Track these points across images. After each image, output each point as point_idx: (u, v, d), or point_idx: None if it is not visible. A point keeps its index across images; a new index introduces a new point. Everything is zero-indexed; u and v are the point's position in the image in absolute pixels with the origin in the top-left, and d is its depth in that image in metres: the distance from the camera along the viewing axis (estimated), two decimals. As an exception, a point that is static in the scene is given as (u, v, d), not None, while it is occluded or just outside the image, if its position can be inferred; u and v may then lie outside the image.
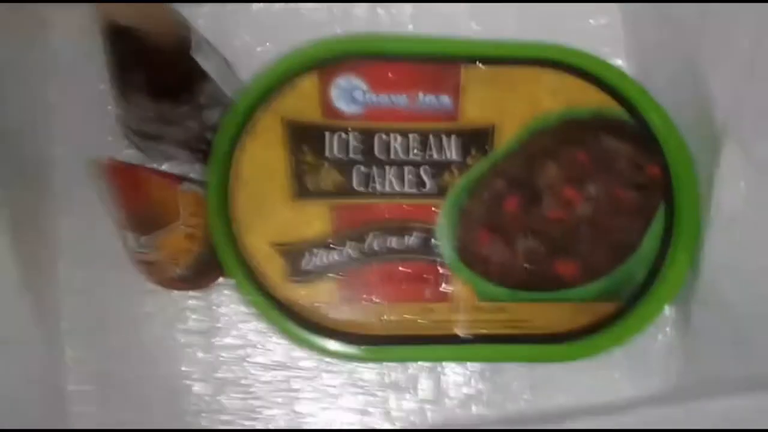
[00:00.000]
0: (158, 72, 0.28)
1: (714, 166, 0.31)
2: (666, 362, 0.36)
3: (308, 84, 0.33)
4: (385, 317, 0.32)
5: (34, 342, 0.33)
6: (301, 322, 0.32)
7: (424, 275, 0.32)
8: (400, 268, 0.32)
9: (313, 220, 0.32)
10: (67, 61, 0.36)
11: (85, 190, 0.35)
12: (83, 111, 0.36)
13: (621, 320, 0.32)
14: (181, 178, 0.33)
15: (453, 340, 0.32)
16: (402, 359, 0.34)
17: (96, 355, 0.35)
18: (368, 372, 0.35)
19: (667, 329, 0.36)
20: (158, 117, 0.31)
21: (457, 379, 0.35)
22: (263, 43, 0.36)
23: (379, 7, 0.37)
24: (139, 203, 0.30)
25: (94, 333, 0.36)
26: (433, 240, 0.32)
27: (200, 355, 0.36)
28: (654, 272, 0.33)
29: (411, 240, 0.32)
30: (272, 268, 0.32)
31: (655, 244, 0.33)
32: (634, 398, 0.35)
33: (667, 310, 0.35)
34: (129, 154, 0.35)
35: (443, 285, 0.32)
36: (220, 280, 0.36)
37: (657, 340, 0.36)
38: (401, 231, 0.32)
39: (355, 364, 0.35)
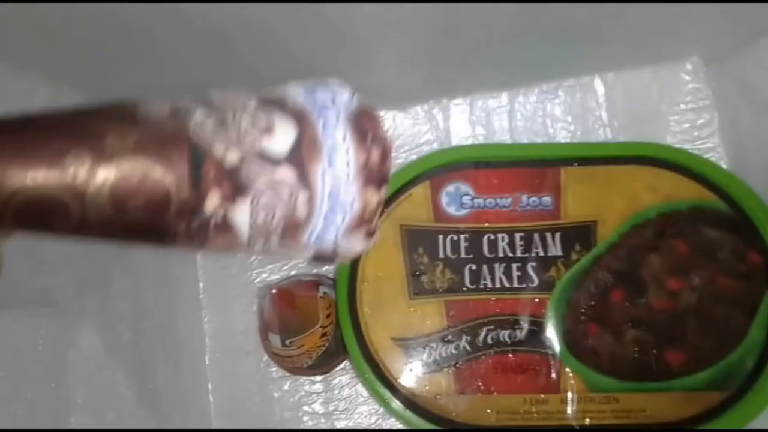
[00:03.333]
0: None
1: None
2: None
3: (421, 192, 0.36)
4: (500, 407, 0.34)
5: (192, 418, 0.38)
6: (420, 412, 0.34)
7: (536, 367, 0.34)
8: (513, 360, 0.34)
9: (430, 316, 0.35)
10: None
11: (223, 297, 0.41)
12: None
13: (731, 409, 0.33)
14: (318, 284, 0.37)
15: (566, 430, 0.34)
16: (517, 448, 0.35)
17: (236, 432, 0.40)
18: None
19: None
20: None
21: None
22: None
23: (478, 124, 0.41)
24: (290, 314, 0.34)
25: (234, 413, 0.40)
26: (542, 333, 0.35)
27: (325, 436, 0.39)
28: (763, 361, 0.33)
29: (521, 333, 0.35)
30: (393, 361, 0.35)
31: (763, 332, 0.34)
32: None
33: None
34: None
35: (554, 376, 0.34)
36: (341, 366, 0.40)
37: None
38: (512, 324, 0.35)
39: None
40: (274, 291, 0.33)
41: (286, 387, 0.40)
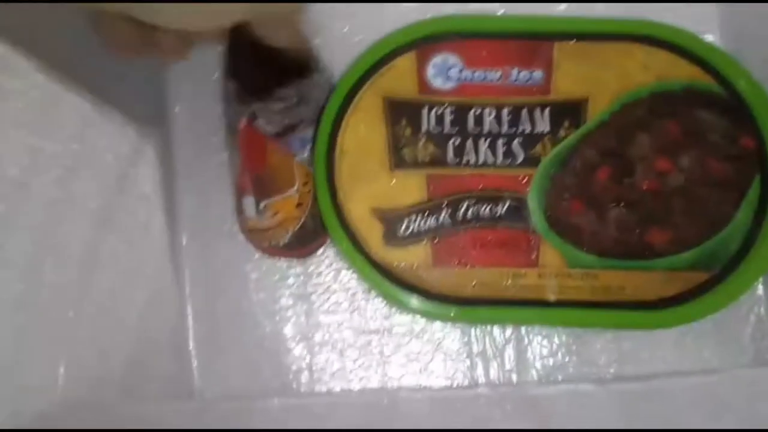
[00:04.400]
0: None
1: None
2: (758, 344, 0.35)
3: (406, 63, 0.35)
4: (476, 281, 0.33)
5: (170, 302, 0.37)
6: (397, 283, 0.34)
7: (515, 242, 0.33)
8: (492, 235, 0.34)
9: (410, 188, 0.34)
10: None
11: (202, 173, 0.39)
12: (200, 91, 0.39)
13: (712, 290, 0.32)
14: (294, 153, 0.35)
15: (542, 304, 0.33)
16: (491, 321, 0.35)
17: (212, 316, 0.39)
18: (456, 341, 0.36)
19: (761, 309, 0.35)
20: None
21: (544, 350, 0.36)
22: (360, 33, 0.38)
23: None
24: (263, 168, 0.33)
25: (209, 297, 0.39)
26: (524, 208, 0.34)
27: (301, 319, 0.38)
28: (748, 244, 0.33)
29: (503, 208, 0.34)
30: (372, 233, 0.34)
31: (750, 215, 0.33)
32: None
33: (761, 290, 0.35)
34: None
35: (534, 251, 0.33)
36: (319, 251, 0.39)
37: (749, 321, 0.35)
38: (493, 199, 0.34)
39: (444, 332, 0.36)
40: (242, 125, 0.31)
41: (263, 268, 0.39)
